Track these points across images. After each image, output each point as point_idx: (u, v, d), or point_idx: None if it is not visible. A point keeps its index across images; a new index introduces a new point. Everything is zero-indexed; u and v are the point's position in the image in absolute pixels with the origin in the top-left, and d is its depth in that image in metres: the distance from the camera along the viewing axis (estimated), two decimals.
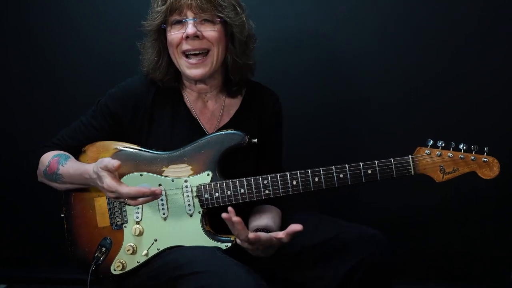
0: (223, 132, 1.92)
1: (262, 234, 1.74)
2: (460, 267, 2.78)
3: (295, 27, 2.69)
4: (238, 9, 1.94)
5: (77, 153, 2.00)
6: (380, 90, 2.71)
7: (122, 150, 1.96)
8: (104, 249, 1.92)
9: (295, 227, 1.73)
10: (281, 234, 1.74)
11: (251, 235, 1.71)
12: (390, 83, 2.69)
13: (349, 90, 2.74)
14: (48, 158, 1.97)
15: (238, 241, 1.78)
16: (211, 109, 2.06)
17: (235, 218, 1.70)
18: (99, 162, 1.79)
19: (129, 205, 1.84)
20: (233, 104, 2.08)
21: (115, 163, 1.74)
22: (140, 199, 1.77)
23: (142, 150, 1.95)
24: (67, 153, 1.98)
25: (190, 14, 1.86)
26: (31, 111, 2.86)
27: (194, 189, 1.89)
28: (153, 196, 1.76)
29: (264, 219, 1.95)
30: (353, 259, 1.85)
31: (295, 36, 2.70)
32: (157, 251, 1.89)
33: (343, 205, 2.67)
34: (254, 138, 1.91)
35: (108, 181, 1.75)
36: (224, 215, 1.71)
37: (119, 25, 2.73)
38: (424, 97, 2.67)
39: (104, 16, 2.76)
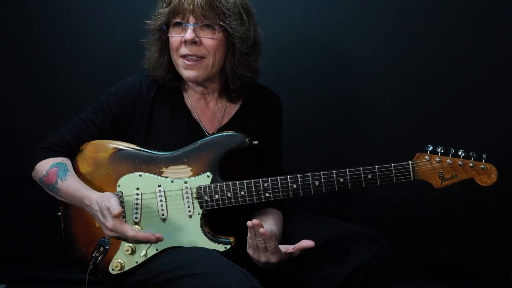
0: (223, 134, 1.91)
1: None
2: (460, 267, 2.78)
3: (297, 27, 2.70)
4: (245, 18, 1.91)
5: (76, 152, 1.99)
6: (382, 94, 2.72)
7: (121, 149, 1.95)
8: (102, 249, 1.89)
9: (307, 243, 1.78)
10: (291, 249, 1.78)
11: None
12: (393, 87, 2.70)
13: (351, 93, 2.75)
14: (46, 167, 1.94)
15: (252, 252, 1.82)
16: (213, 110, 2.05)
17: (262, 230, 1.73)
18: (105, 199, 1.77)
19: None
20: (234, 105, 2.08)
21: (115, 210, 1.72)
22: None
23: (141, 150, 1.94)
24: (65, 162, 1.95)
25: (191, 19, 1.85)
26: (31, 111, 2.85)
27: (194, 190, 1.88)
28: (157, 241, 1.77)
29: (268, 225, 1.93)
30: (354, 261, 1.86)
31: (297, 37, 2.71)
32: (156, 251, 1.88)
33: (342, 206, 2.67)
34: (255, 140, 1.90)
35: (113, 222, 1.73)
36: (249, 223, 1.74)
37: (119, 25, 2.73)
38: (426, 102, 2.69)
39: (104, 16, 2.76)
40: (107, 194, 1.82)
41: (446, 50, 2.64)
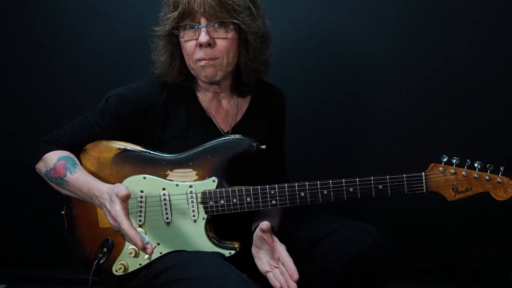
0: (230, 138, 1.89)
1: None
2: (460, 267, 2.78)
3: (298, 28, 2.70)
4: (254, 12, 1.88)
5: (78, 151, 1.96)
6: (382, 94, 2.72)
7: (124, 150, 1.92)
8: (105, 250, 1.88)
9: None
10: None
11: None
12: (394, 88, 2.70)
13: (352, 93, 2.74)
14: (53, 160, 1.91)
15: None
16: (226, 108, 2.03)
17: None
18: (115, 186, 1.73)
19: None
20: (244, 102, 2.06)
21: (123, 191, 1.69)
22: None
23: (146, 152, 1.91)
24: (72, 156, 1.93)
25: (203, 21, 1.80)
26: (31, 111, 2.85)
27: (199, 195, 1.86)
28: (142, 250, 1.68)
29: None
30: (350, 255, 1.84)
31: (298, 38, 2.70)
32: (160, 254, 1.88)
33: (343, 206, 2.64)
34: (263, 144, 1.88)
35: (118, 209, 1.68)
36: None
37: (119, 25, 2.73)
38: (427, 102, 2.68)
39: (104, 16, 2.75)
40: (118, 184, 1.78)
41: (448, 51, 2.63)
